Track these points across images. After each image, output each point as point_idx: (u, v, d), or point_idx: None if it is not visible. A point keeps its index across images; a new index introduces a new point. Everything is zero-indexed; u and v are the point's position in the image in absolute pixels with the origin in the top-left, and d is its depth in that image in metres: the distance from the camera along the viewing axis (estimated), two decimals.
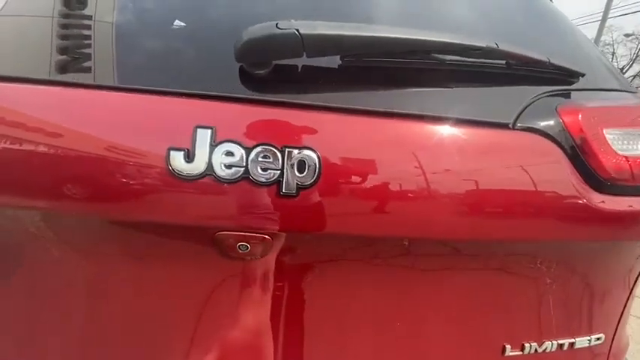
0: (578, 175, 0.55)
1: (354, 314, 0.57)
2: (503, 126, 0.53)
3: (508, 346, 0.64)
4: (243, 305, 0.55)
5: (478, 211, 0.52)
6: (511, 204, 0.53)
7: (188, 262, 0.52)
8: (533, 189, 0.53)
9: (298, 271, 0.54)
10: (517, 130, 0.54)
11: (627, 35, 17.33)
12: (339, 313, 0.57)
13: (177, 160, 0.45)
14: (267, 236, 0.49)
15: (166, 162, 0.45)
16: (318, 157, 0.46)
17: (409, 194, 0.49)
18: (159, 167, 0.45)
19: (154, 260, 0.53)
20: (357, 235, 0.51)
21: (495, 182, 0.52)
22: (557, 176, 0.54)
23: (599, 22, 11.00)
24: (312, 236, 0.50)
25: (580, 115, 0.55)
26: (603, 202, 0.56)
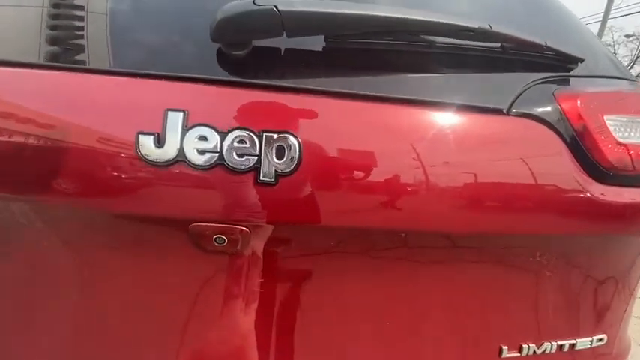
0: (577, 165, 0.52)
1: (341, 311, 0.54)
2: (498, 111, 0.50)
3: (505, 348, 0.61)
4: (222, 302, 0.51)
5: (470, 201, 0.49)
6: (506, 194, 0.50)
7: (164, 256, 0.49)
8: (530, 179, 0.50)
9: (282, 265, 0.51)
10: (512, 116, 0.50)
11: (628, 36, 17.28)
12: (325, 309, 0.53)
13: (147, 145, 0.42)
14: (244, 228, 0.46)
15: (135, 147, 0.42)
16: (299, 143, 0.43)
17: (397, 183, 0.46)
18: (127, 153, 0.42)
19: (129, 253, 0.49)
20: (342, 227, 0.47)
21: (489, 171, 0.49)
22: (555, 165, 0.51)
23: (600, 22, 10.97)
24: (294, 228, 0.47)
25: (579, 101, 0.52)
26: (604, 193, 0.52)
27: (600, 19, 11.10)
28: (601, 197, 0.52)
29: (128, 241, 0.48)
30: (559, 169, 0.51)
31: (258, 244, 0.48)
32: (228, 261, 0.49)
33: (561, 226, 0.53)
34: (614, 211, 0.54)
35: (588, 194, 0.52)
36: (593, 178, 0.52)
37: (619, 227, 0.56)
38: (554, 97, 0.52)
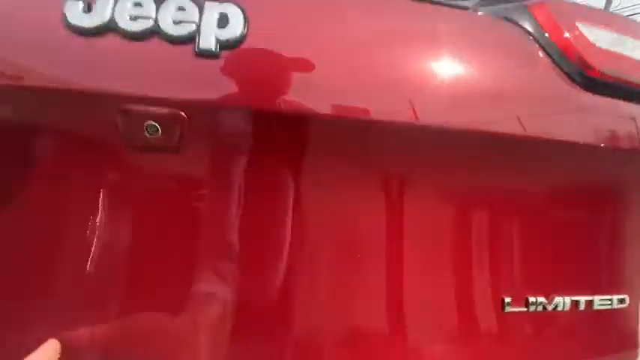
0: (559, 70, 0.47)
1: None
2: (464, 8, 0.48)
3: (507, 300, 0.50)
4: (156, 211, 0.43)
5: (447, 95, 0.43)
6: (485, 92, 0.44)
7: (93, 147, 0.42)
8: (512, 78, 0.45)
9: (229, 166, 0.43)
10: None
11: None
12: (279, 212, 0.44)
13: (74, 10, 0.38)
14: (182, 113, 0.39)
15: (62, 12, 0.38)
16: (243, 10, 0.39)
17: (354, 70, 0.41)
18: (52, 19, 0.38)
19: (52, 136, 0.42)
20: (296, 113, 0.41)
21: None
22: (537, 69, 0.47)
23: None
24: (242, 114, 0.41)
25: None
26: (590, 101, 0.48)
27: None
28: (589, 104, 0.47)
29: (54, 121, 0.41)
30: (541, 74, 0.47)
31: (197, 139, 0.41)
32: (165, 161, 0.42)
33: (549, 130, 0.47)
34: (602, 119, 0.48)
35: (574, 100, 0.47)
36: (578, 85, 0.48)
37: (608, 138, 0.49)
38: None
